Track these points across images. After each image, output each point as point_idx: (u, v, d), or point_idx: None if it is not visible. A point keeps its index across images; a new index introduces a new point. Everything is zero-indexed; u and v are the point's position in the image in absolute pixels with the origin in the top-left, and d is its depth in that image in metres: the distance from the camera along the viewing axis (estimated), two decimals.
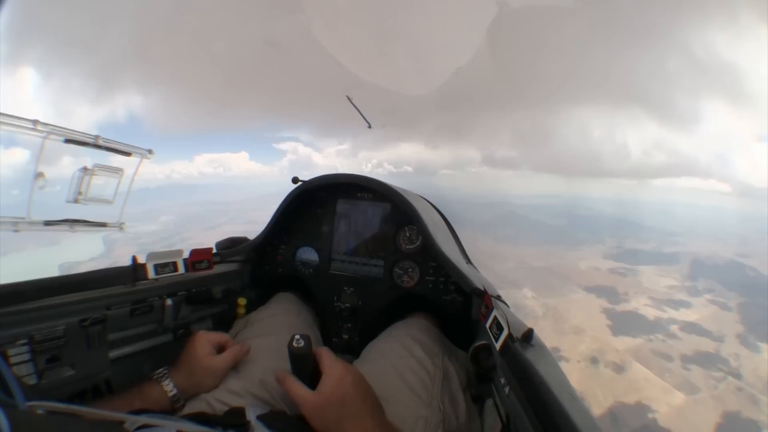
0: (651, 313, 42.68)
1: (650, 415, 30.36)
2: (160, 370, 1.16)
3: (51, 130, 1.66)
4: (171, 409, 1.09)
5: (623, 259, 52.21)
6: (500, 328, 1.10)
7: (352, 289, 1.92)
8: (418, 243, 1.89)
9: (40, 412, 0.55)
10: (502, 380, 1.02)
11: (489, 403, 1.20)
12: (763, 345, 37.62)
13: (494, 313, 1.19)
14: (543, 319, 42.33)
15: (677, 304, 44.24)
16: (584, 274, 48.94)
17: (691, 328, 40.29)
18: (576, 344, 38.23)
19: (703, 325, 40.83)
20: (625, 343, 38.17)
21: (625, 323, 40.55)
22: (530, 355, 0.94)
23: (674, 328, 40.51)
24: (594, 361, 36.49)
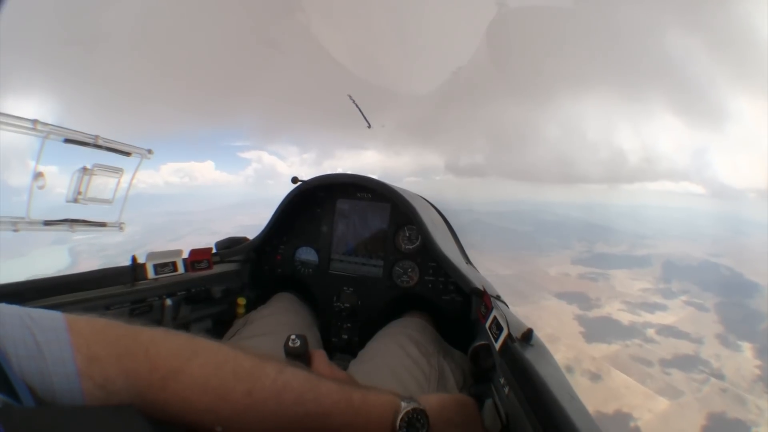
0: (625, 317, 40.88)
1: (632, 424, 27.83)
2: None
3: (51, 130, 1.68)
4: None
5: (593, 263, 50.78)
6: (500, 328, 1.12)
7: (351, 289, 1.93)
8: (417, 243, 1.89)
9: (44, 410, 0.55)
10: (502, 380, 1.04)
11: (488, 403, 1.18)
12: (744, 344, 36.27)
13: (494, 313, 1.21)
14: None
15: (652, 307, 42.75)
16: (554, 280, 47.30)
17: (668, 331, 38.75)
18: (552, 353, 35.85)
19: (680, 327, 39.46)
20: (600, 350, 35.97)
21: (598, 329, 38.49)
22: (530, 355, 0.95)
23: (651, 332, 38.73)
24: (569, 370, 34.07)
